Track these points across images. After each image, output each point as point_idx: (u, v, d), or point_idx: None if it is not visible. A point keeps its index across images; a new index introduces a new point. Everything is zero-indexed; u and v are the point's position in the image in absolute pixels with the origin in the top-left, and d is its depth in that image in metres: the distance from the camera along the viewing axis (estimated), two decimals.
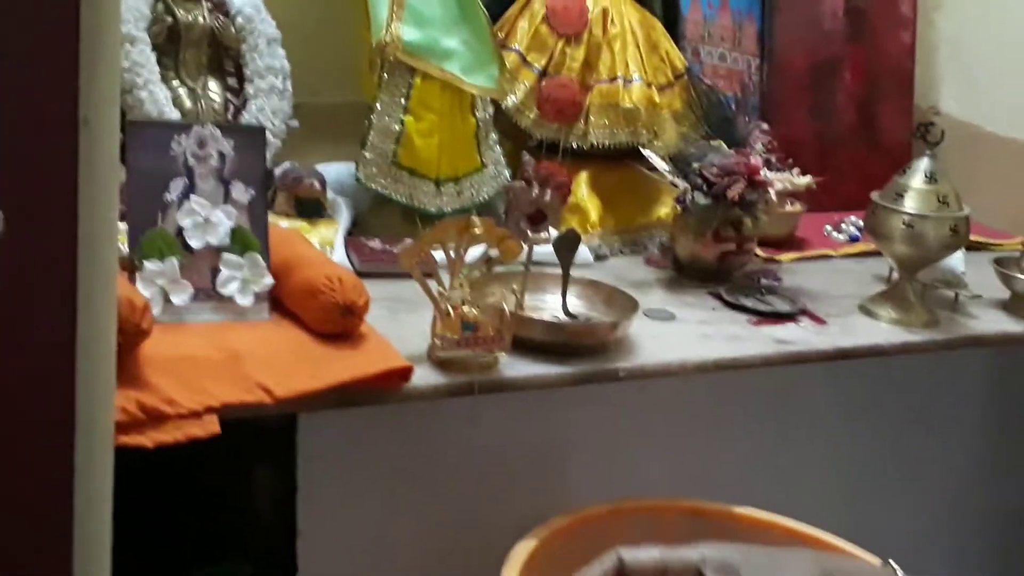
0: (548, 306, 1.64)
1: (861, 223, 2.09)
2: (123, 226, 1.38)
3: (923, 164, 1.77)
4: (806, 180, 2.00)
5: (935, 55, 2.55)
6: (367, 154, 1.83)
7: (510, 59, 1.99)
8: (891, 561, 1.16)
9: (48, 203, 0.95)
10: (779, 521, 1.59)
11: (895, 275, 1.87)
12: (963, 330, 1.82)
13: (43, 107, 0.93)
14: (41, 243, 0.96)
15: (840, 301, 1.87)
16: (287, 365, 1.37)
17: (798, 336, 1.71)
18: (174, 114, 1.78)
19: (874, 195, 1.80)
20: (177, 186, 1.48)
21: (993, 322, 1.86)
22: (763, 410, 1.80)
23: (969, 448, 2.02)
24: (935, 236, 1.74)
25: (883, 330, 1.78)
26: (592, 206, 2.02)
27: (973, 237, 1.85)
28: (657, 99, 2.04)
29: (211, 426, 1.27)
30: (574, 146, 2.01)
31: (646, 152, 1.94)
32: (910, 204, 1.75)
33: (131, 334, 1.25)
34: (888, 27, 2.48)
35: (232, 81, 1.88)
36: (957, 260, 1.90)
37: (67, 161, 0.94)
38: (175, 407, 1.26)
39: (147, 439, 1.23)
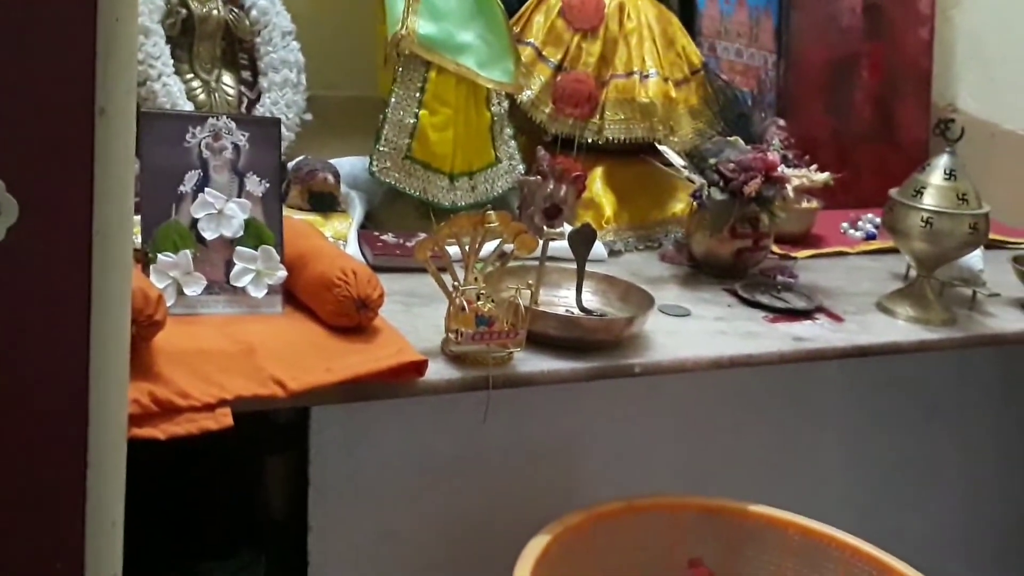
0: (563, 301, 1.64)
1: (878, 220, 2.08)
2: (137, 218, 1.37)
3: (943, 161, 1.76)
4: (823, 177, 1.98)
5: (953, 52, 2.53)
6: (381, 148, 1.82)
7: (526, 53, 1.98)
8: None
9: (64, 193, 0.94)
10: (794, 519, 1.58)
11: (912, 273, 1.86)
12: (981, 328, 1.80)
13: (60, 96, 0.92)
14: (56, 233, 0.95)
15: (857, 298, 1.86)
16: (301, 358, 1.37)
17: (815, 333, 1.70)
18: (188, 106, 1.77)
19: (893, 192, 1.79)
20: (191, 178, 1.47)
21: (1011, 321, 1.85)
22: (778, 407, 1.79)
23: (986, 446, 2.01)
24: (954, 233, 1.73)
25: (901, 328, 1.76)
26: (607, 201, 2.01)
27: (992, 235, 1.83)
28: (673, 94, 2.03)
29: (224, 419, 1.26)
30: (589, 141, 2.00)
31: (662, 147, 1.93)
32: (929, 201, 1.74)
33: (145, 326, 1.25)
34: (906, 24, 2.46)
35: (246, 74, 1.88)
36: (976, 258, 1.89)
37: (83, 151, 0.93)
38: (188, 400, 1.25)
39: (160, 431, 1.22)
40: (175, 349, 1.32)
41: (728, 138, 1.99)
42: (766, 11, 2.36)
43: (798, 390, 1.79)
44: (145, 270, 1.42)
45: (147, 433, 1.20)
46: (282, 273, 1.49)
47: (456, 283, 1.45)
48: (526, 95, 1.98)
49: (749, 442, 1.77)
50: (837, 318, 1.76)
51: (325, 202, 1.83)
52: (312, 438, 1.44)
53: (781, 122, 2.15)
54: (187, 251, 1.44)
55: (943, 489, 1.99)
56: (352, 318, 1.44)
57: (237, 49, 1.87)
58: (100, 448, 1.01)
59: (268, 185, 1.51)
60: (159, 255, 1.43)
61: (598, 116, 2.00)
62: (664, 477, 1.66)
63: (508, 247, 1.52)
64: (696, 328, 1.67)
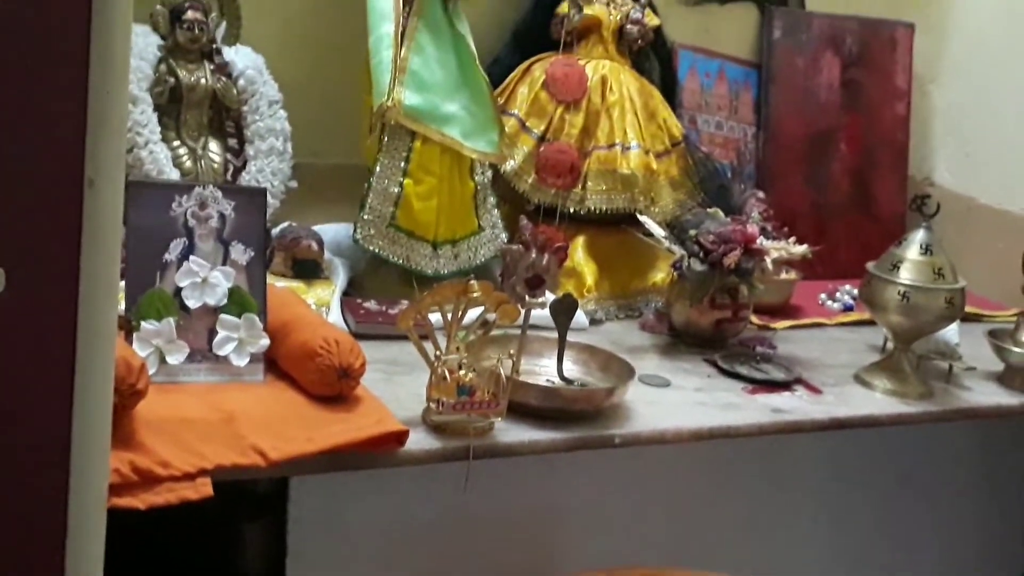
0: (544, 371, 1.64)
1: (856, 292, 2.10)
2: (121, 285, 1.38)
3: (919, 236, 1.78)
4: (802, 249, 2.01)
5: (930, 127, 2.58)
6: (366, 216, 1.84)
7: (510, 124, 2.00)
8: None
9: (50, 262, 0.95)
10: None
11: (890, 345, 1.87)
12: (957, 402, 1.82)
13: (49, 167, 0.94)
14: (42, 301, 0.96)
15: (835, 370, 1.87)
16: (282, 427, 1.37)
17: (793, 405, 1.71)
18: (174, 174, 1.79)
19: (870, 266, 1.81)
20: (176, 246, 1.48)
21: (987, 394, 1.86)
22: (757, 478, 1.80)
23: (962, 518, 2.02)
24: (930, 307, 1.75)
25: (878, 400, 1.78)
26: (589, 271, 2.02)
27: (968, 308, 1.85)
28: (654, 166, 2.05)
29: (204, 488, 1.26)
30: (571, 211, 2.02)
31: (643, 218, 1.95)
32: (906, 275, 1.76)
33: (127, 395, 1.25)
34: (883, 99, 2.51)
35: (233, 142, 1.89)
36: (952, 331, 1.90)
37: (71, 221, 0.94)
38: (168, 469, 1.25)
39: (140, 501, 1.22)
40: (156, 418, 1.31)
41: (708, 209, 2.02)
42: (745, 85, 2.40)
43: (777, 460, 1.80)
44: (128, 338, 1.42)
45: (127, 503, 1.20)
46: (264, 341, 1.49)
47: (438, 352, 1.46)
48: (510, 165, 2.00)
49: (729, 513, 1.78)
50: (815, 390, 1.78)
51: (308, 269, 1.84)
52: (291, 507, 1.44)
53: (760, 194, 2.18)
54: (170, 319, 1.45)
55: (920, 559, 1.99)
56: (334, 387, 1.44)
57: (224, 117, 1.89)
58: (80, 517, 1.01)
59: (253, 253, 1.52)
60: (143, 323, 1.43)
61: (580, 186, 2.02)
62: (644, 547, 1.66)
63: (490, 316, 1.53)
64: (676, 398, 1.68)
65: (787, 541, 1.83)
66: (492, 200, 1.96)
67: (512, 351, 1.55)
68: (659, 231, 1.92)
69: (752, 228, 1.88)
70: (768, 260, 1.87)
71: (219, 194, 1.51)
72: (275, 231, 1.85)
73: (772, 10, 2.42)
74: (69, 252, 0.95)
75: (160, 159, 1.77)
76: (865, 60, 2.50)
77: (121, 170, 0.97)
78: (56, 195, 0.95)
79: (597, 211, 2.02)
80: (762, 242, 1.88)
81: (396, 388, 1.54)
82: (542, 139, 2.02)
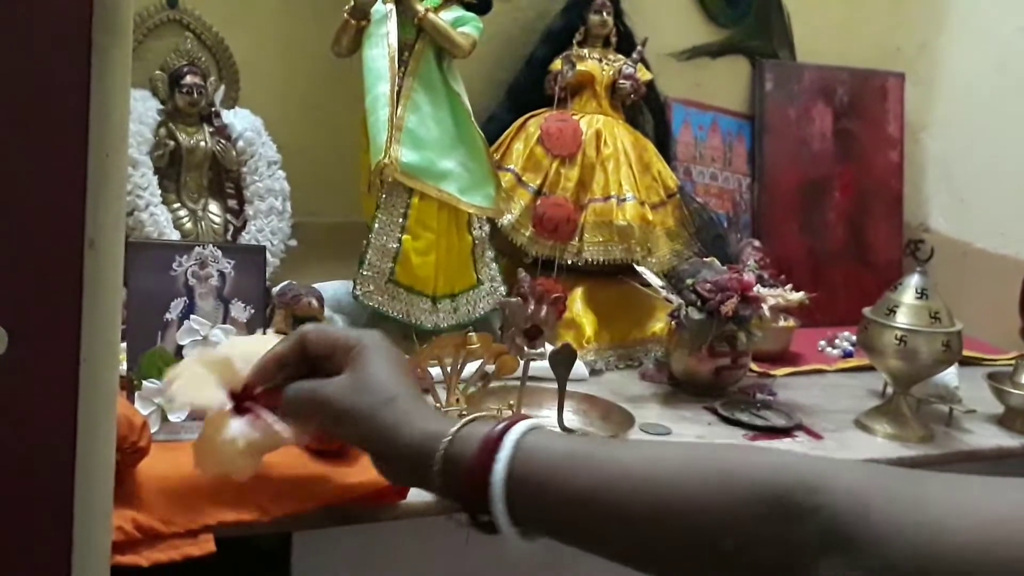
0: (545, 421, 1.64)
1: (854, 338, 2.11)
2: (123, 345, 1.39)
3: (914, 280, 1.80)
4: (799, 296, 2.02)
5: (923, 174, 2.60)
6: (365, 272, 1.85)
7: (506, 179, 2.02)
8: None
9: (51, 323, 0.96)
10: None
11: (889, 390, 1.88)
12: (958, 444, 1.82)
13: (50, 228, 0.95)
14: (43, 362, 0.97)
15: (835, 416, 1.88)
16: (283, 482, 1.37)
17: (794, 450, 1.71)
18: (175, 235, 1.81)
19: (866, 311, 1.82)
20: (177, 306, 1.49)
21: (988, 436, 1.86)
22: None
23: None
24: (928, 351, 1.76)
25: (879, 445, 1.78)
26: (587, 321, 2.04)
27: (966, 352, 1.86)
28: (650, 217, 2.07)
29: (207, 545, 1.26)
30: (569, 263, 2.03)
31: (640, 268, 1.97)
32: (902, 320, 1.77)
33: (129, 452, 1.25)
34: (876, 147, 2.54)
35: (232, 202, 1.91)
36: (951, 375, 1.91)
37: (72, 282, 0.95)
38: (171, 526, 1.25)
39: (143, 558, 1.22)
40: (159, 475, 1.32)
41: (705, 259, 2.04)
42: (739, 136, 2.43)
43: None
44: (130, 396, 1.43)
45: (130, 560, 1.20)
46: None
47: (438, 404, 1.47)
48: (507, 219, 2.02)
49: None
50: (816, 435, 1.78)
51: None
52: (294, 562, 1.43)
53: (756, 243, 2.20)
54: None
55: None
56: (334, 441, 1.45)
57: (224, 178, 1.91)
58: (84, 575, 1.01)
59: (253, 311, 1.53)
60: (144, 382, 1.44)
61: (577, 239, 2.04)
62: None
63: (489, 368, 1.54)
64: None
65: None
66: (490, 254, 1.98)
67: (512, 402, 1.56)
68: (656, 281, 1.93)
69: (749, 276, 1.90)
70: (765, 307, 1.88)
71: (219, 253, 1.53)
72: (275, 289, 1.87)
73: (763, 63, 2.45)
74: (70, 313, 0.96)
75: (160, 221, 1.79)
76: (857, 110, 2.53)
77: (121, 232, 0.99)
78: (57, 256, 0.96)
79: (594, 262, 2.04)
80: (759, 290, 1.89)
81: None
82: (539, 193, 2.05)
